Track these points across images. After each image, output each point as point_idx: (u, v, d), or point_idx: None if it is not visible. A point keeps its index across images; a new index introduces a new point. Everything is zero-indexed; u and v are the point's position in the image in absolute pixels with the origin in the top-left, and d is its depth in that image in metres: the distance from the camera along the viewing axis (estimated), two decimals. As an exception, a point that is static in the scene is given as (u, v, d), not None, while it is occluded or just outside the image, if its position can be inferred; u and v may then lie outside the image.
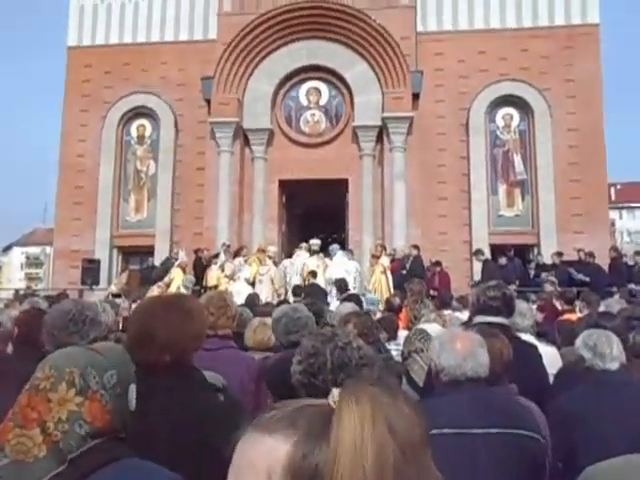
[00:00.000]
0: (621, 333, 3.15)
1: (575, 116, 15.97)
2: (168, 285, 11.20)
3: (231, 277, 11.36)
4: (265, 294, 10.76)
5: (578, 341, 2.88)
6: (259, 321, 3.82)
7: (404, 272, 12.61)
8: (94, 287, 14.96)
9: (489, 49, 16.24)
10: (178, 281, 11.24)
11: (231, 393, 2.11)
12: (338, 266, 11.57)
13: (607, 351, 2.72)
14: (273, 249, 12.43)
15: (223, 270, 11.74)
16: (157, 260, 14.92)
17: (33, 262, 74.41)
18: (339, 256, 12.01)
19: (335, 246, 12.58)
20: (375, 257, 12.27)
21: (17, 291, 15.61)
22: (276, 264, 12.12)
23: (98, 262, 15.90)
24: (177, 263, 11.98)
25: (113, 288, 11.55)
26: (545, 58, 16.14)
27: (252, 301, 7.35)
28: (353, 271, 11.55)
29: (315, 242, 12.51)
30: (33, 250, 73.65)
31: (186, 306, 2.11)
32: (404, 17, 15.63)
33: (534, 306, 6.55)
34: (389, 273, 12.10)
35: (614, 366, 2.71)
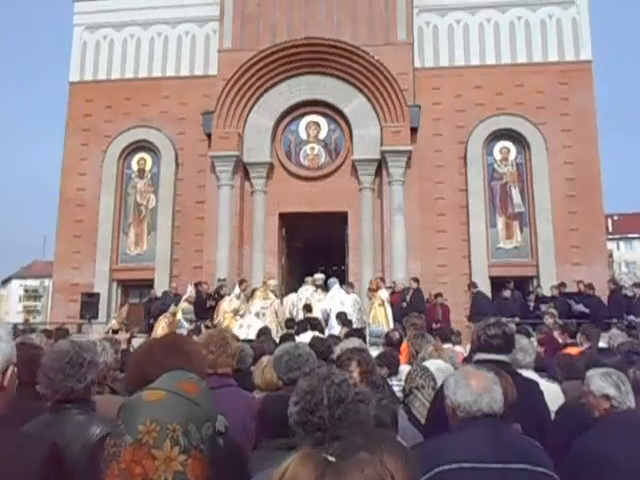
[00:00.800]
0: (621, 370, 3.14)
1: (571, 149, 16.19)
2: (174, 315, 11.18)
3: (235, 312, 11.29)
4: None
5: (598, 379, 2.85)
6: (268, 360, 3.76)
7: (404, 305, 12.62)
8: (93, 321, 14.89)
9: (485, 84, 16.54)
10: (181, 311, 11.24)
11: (231, 438, 2.09)
12: (334, 298, 11.60)
13: (625, 389, 2.73)
14: (274, 282, 12.42)
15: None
16: (159, 292, 14.91)
17: (32, 295, 74.14)
18: (335, 289, 12.03)
19: (333, 279, 12.59)
20: (372, 290, 12.24)
21: (16, 326, 15.53)
22: (277, 297, 12.11)
23: (97, 296, 15.85)
24: (185, 297, 11.95)
25: (114, 323, 11.48)
26: (540, 93, 16.44)
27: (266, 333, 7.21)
28: (350, 304, 11.52)
29: (319, 277, 12.62)
30: (32, 283, 73.47)
31: (186, 348, 2.11)
32: (402, 53, 15.92)
33: (534, 340, 6.52)
34: (388, 306, 12.06)
35: (633, 404, 2.70)
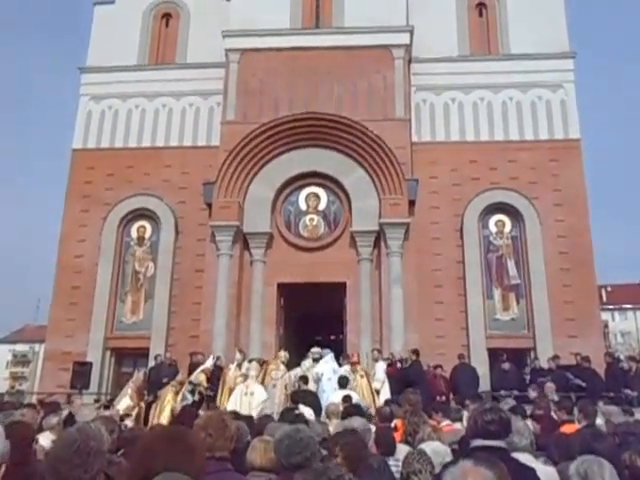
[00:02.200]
0: (613, 455, 3.20)
1: (563, 224, 16.57)
2: (182, 384, 10.94)
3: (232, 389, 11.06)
4: (278, 399, 10.71)
5: (572, 468, 2.94)
6: (260, 441, 3.71)
7: (403, 376, 12.45)
8: (84, 391, 14.49)
9: (480, 159, 17.06)
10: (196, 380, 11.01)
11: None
12: (327, 363, 11.57)
13: (598, 480, 2.76)
14: (284, 354, 12.30)
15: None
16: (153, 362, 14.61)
17: (20, 360, 71.94)
18: (328, 357, 11.96)
19: (326, 350, 12.53)
20: (353, 363, 12.08)
21: (2, 395, 15.11)
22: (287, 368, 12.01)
23: (90, 365, 15.52)
24: (202, 368, 11.72)
25: (128, 401, 10.86)
26: (532, 169, 16.97)
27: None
28: (342, 373, 11.46)
29: (316, 350, 12.55)
30: (21, 348, 71.48)
31: (190, 441, 2.14)
32: (399, 128, 16.43)
33: (530, 423, 6.45)
34: (381, 380, 11.92)
35: None
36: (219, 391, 11.13)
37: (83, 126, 18.32)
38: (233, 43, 17.43)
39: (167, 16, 19.44)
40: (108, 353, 16.58)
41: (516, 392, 12.09)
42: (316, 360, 12.33)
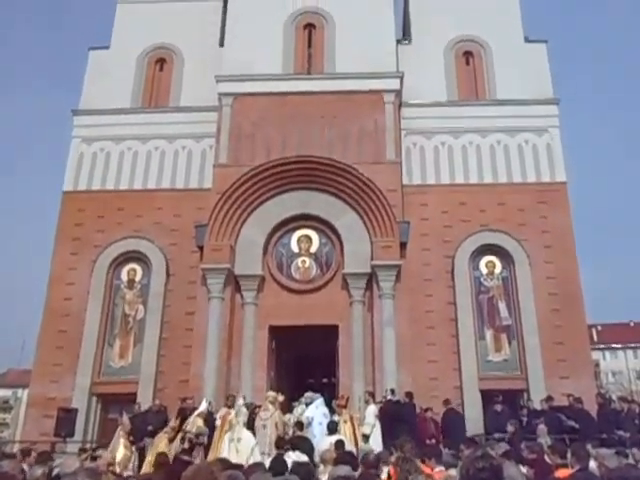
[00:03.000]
0: None
1: (552, 265, 16.76)
2: (174, 430, 10.67)
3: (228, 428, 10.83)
4: (269, 438, 10.57)
5: None
6: None
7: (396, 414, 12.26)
8: (68, 439, 14.07)
9: (470, 201, 17.30)
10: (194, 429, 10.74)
11: None
12: (317, 408, 11.50)
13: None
14: (272, 393, 12.10)
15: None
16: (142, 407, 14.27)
17: (2, 406, 69.72)
18: (319, 402, 11.87)
19: (317, 395, 12.39)
20: (340, 406, 11.92)
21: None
22: (276, 408, 11.78)
23: (75, 412, 15.10)
24: (197, 412, 11.48)
25: (124, 451, 10.48)
26: (521, 211, 17.23)
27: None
28: (320, 416, 11.35)
29: (308, 395, 12.39)
30: (3, 393, 69.27)
31: None
32: (390, 171, 16.64)
33: (524, 468, 6.38)
34: (373, 423, 11.76)
35: None
36: (218, 437, 10.86)
37: (74, 168, 18.32)
38: (226, 87, 17.70)
39: (161, 61, 19.78)
40: (94, 399, 16.20)
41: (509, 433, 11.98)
42: (308, 405, 12.20)
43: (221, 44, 19.11)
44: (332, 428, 9.91)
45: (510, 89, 18.65)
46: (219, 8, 20.08)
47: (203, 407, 11.74)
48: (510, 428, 10.72)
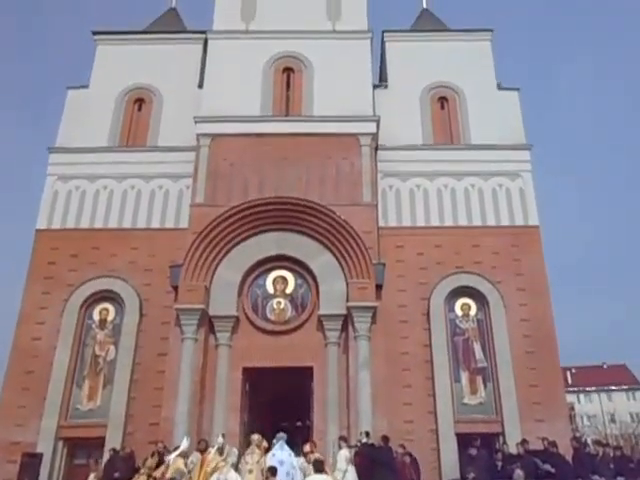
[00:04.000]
0: None
1: (526, 307, 16.94)
2: (151, 469, 10.33)
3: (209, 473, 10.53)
4: None
5: None
6: None
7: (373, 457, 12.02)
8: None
9: (445, 244, 17.50)
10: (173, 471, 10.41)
11: None
12: (274, 456, 10.93)
13: None
14: (256, 437, 11.79)
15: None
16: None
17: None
18: (277, 446, 11.40)
19: (281, 434, 11.96)
20: (307, 453, 11.64)
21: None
22: (262, 451, 11.51)
23: (40, 457, 14.64)
24: (179, 452, 11.14)
25: None
26: (495, 254, 17.47)
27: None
28: (288, 464, 10.98)
29: (280, 435, 12.09)
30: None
31: None
32: (366, 213, 16.79)
33: None
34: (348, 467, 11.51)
35: None
36: (196, 475, 10.57)
37: (49, 206, 18.13)
38: (204, 128, 17.85)
39: (140, 101, 19.90)
40: (60, 443, 15.63)
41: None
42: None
43: (200, 85, 19.36)
44: (319, 468, 9.47)
45: (484, 134, 19.15)
46: (199, 50, 20.39)
47: (184, 446, 11.43)
48: (471, 475, 10.40)
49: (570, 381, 55.69)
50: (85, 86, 20.00)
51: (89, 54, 20.71)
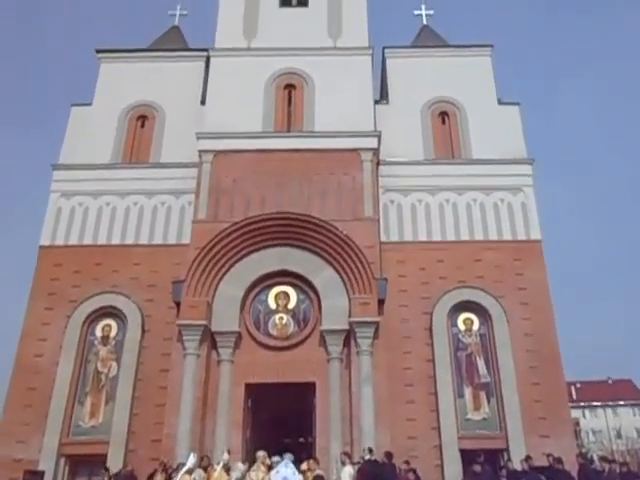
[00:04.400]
0: None
1: (529, 322, 16.86)
2: None
3: None
4: None
5: None
6: None
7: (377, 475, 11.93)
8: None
9: (447, 258, 17.49)
10: None
11: None
12: (278, 473, 11.04)
13: None
14: (261, 453, 11.76)
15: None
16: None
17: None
18: (282, 464, 11.36)
19: (289, 455, 11.95)
20: (305, 470, 11.52)
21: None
22: (268, 467, 11.49)
23: (42, 474, 14.56)
24: (185, 469, 11.09)
25: None
26: (498, 268, 17.43)
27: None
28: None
29: (288, 455, 12.05)
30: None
31: None
32: (368, 228, 16.81)
33: None
34: None
35: None
36: None
37: (52, 222, 18.22)
38: (207, 145, 17.99)
39: (143, 118, 20.06)
40: (63, 460, 15.56)
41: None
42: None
43: (202, 102, 19.55)
44: None
45: (485, 149, 19.22)
46: (201, 67, 20.61)
47: (191, 463, 11.37)
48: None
49: (575, 396, 55.22)
50: (89, 103, 20.19)
51: (93, 71, 20.94)
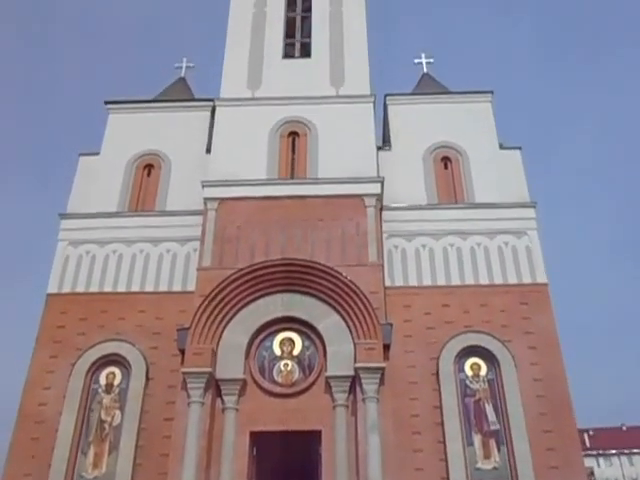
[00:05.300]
0: None
1: (538, 367, 16.58)
2: None
3: None
4: None
5: None
6: None
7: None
8: None
9: (452, 303, 17.40)
10: None
11: None
12: None
13: None
14: None
15: None
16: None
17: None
18: None
19: None
20: None
21: None
22: None
23: (43, 527, 14.29)
24: None
25: None
26: (504, 312, 17.30)
27: None
28: None
29: None
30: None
31: None
32: (373, 274, 16.83)
33: None
34: None
35: None
36: None
37: (60, 271, 18.34)
38: (212, 192, 18.24)
39: (149, 166, 20.40)
40: (64, 515, 15.28)
41: None
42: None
43: (208, 151, 19.90)
44: None
45: (488, 193, 19.36)
46: (207, 117, 21.04)
47: None
48: None
49: (588, 444, 53.93)
50: (96, 153, 20.62)
51: (101, 122, 21.45)
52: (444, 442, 15.71)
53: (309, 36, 22.08)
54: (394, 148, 20.49)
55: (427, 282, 17.93)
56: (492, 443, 16.01)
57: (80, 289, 18.13)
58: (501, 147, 20.48)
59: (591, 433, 57.52)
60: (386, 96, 21.89)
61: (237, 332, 16.06)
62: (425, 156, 20.24)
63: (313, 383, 15.74)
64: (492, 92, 21.69)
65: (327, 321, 16.13)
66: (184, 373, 15.28)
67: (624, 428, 61.89)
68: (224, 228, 17.68)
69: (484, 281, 17.93)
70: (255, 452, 15.50)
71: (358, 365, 15.28)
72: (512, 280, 17.95)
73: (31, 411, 16.27)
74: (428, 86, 23.07)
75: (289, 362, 16.10)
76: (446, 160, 20.38)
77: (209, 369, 15.25)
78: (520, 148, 20.50)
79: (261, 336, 16.33)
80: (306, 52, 21.81)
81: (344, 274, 16.20)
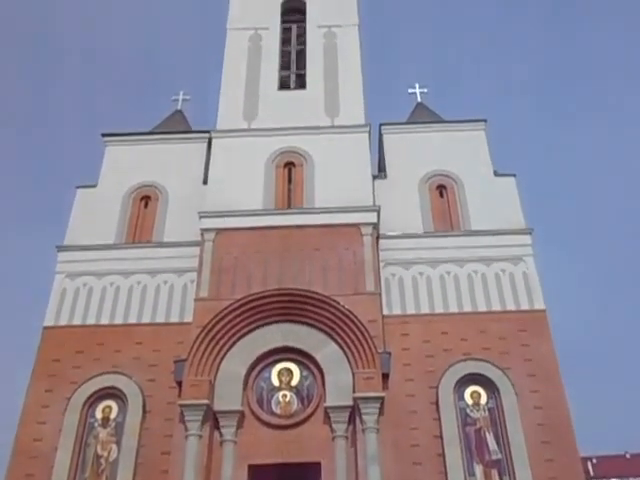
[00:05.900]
0: None
1: (538, 394, 16.42)
2: None
3: None
4: None
5: None
6: None
7: None
8: None
9: (451, 330, 17.33)
10: None
11: None
12: None
13: None
14: None
15: None
16: None
17: None
18: None
19: None
20: None
21: None
22: None
23: None
24: None
25: None
26: (503, 339, 17.22)
27: None
28: None
29: None
30: None
31: None
32: (370, 302, 16.80)
33: None
34: None
35: None
36: None
37: (56, 303, 18.25)
38: (209, 223, 18.30)
39: (146, 198, 20.50)
40: None
41: None
42: None
43: (205, 182, 20.04)
44: None
45: (483, 220, 19.45)
46: (203, 149, 21.26)
47: None
48: None
49: (592, 472, 53.17)
50: (93, 185, 20.73)
51: (98, 154, 21.60)
52: (445, 473, 15.46)
53: (304, 68, 22.50)
54: (390, 177, 20.65)
55: (425, 310, 17.90)
56: (494, 473, 15.77)
57: (77, 322, 18.00)
58: (496, 174, 20.66)
59: (594, 461, 56.74)
60: (381, 125, 22.15)
61: (235, 363, 15.95)
62: (421, 184, 20.40)
63: (312, 414, 15.59)
64: (485, 120, 21.97)
65: (325, 350, 16.05)
66: (181, 405, 15.12)
67: (627, 456, 61.13)
68: (221, 259, 17.69)
69: (482, 308, 17.89)
70: (253, 487, 15.25)
71: (357, 395, 15.16)
72: (510, 307, 17.93)
73: (26, 446, 16.00)
74: (422, 115, 23.38)
75: (287, 393, 15.97)
76: (441, 188, 20.53)
77: (206, 401, 15.10)
78: (515, 175, 20.69)
79: (259, 367, 16.22)
80: (301, 83, 22.17)
81: (342, 303, 16.18)
